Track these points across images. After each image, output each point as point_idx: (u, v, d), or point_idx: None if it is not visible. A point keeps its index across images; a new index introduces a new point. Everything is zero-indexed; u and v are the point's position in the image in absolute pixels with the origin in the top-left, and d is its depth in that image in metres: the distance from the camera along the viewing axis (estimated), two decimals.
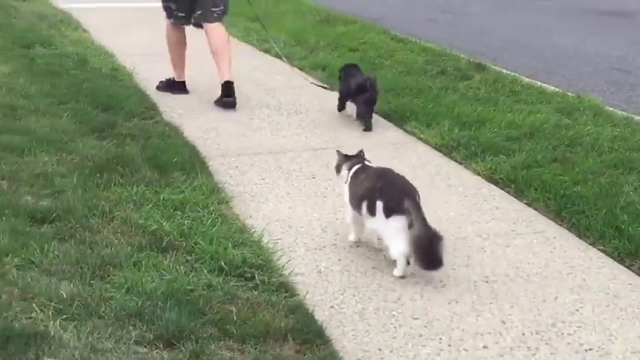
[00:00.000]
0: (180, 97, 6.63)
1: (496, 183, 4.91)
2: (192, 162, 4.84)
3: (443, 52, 8.25)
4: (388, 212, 3.58)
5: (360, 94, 6.01)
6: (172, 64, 6.86)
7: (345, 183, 3.98)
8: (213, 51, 6.55)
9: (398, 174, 3.81)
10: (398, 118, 6.16)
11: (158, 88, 6.86)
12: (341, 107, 6.31)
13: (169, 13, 6.62)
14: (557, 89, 7.13)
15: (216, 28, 6.54)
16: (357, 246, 3.98)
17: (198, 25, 6.59)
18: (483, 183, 4.93)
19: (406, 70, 7.45)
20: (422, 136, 5.76)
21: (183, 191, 4.36)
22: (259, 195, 4.62)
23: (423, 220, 3.54)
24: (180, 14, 6.56)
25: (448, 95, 6.66)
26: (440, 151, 5.49)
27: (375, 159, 4.22)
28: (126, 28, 9.19)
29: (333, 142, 5.67)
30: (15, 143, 4.80)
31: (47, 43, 7.87)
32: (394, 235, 3.59)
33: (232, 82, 6.48)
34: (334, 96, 6.45)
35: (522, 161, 5.10)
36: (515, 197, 4.71)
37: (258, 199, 4.55)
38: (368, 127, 5.94)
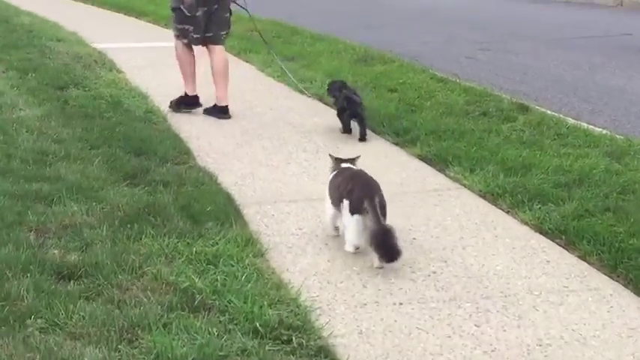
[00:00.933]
0: (214, 141, 6.47)
1: (545, 233, 4.65)
2: (226, 211, 4.65)
3: (484, 93, 8.02)
4: (352, 211, 4.15)
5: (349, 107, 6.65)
6: (184, 81, 7.35)
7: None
8: (215, 72, 7.23)
9: (367, 176, 4.36)
10: (439, 163, 5.94)
11: (171, 108, 7.30)
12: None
13: (185, 34, 7.13)
14: (604, 131, 6.87)
15: (221, 51, 7.28)
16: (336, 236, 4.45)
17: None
18: (532, 233, 4.68)
19: (447, 112, 7.23)
20: (465, 182, 5.53)
21: (217, 243, 4.17)
22: (296, 246, 4.41)
23: (377, 218, 4.04)
24: (195, 35, 7.11)
25: (491, 138, 6.42)
26: (484, 199, 5.24)
27: (416, 207, 4.01)
28: (161, 68, 9.07)
29: None
30: (44, 191, 4.66)
31: (81, 84, 7.79)
32: (352, 230, 4.20)
33: (227, 106, 7.23)
34: (370, 137, 6.27)
35: (572, 210, 4.84)
36: (565, 249, 4.46)
37: (296, 251, 4.35)
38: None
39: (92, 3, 15.60)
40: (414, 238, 4.58)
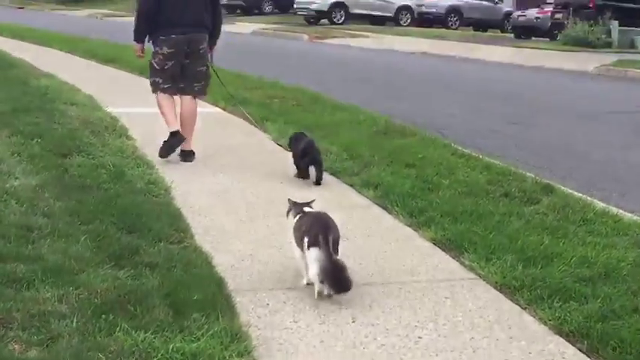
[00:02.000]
0: (217, 217, 6.10)
1: (565, 336, 4.20)
2: (215, 300, 4.25)
3: (507, 171, 7.60)
4: (308, 245, 4.49)
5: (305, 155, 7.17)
6: (167, 123, 7.70)
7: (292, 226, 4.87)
8: (181, 120, 7.72)
9: (326, 217, 4.71)
10: (454, 249, 5.51)
11: (162, 156, 7.60)
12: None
13: (155, 85, 7.71)
14: (634, 217, 6.42)
15: (190, 101, 7.82)
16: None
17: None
18: (551, 335, 4.22)
19: (466, 191, 6.81)
20: (481, 272, 5.09)
21: (199, 338, 3.78)
22: (288, 342, 4.00)
23: (329, 253, 4.41)
24: (164, 86, 7.64)
25: (512, 222, 5.99)
26: (501, 292, 4.80)
27: (425, 300, 3.59)
28: None
29: (379, 275, 5.05)
30: (18, 273, 4.30)
31: (86, 151, 7.47)
32: (311, 263, 4.50)
33: (193, 152, 7.84)
34: (381, 217, 5.87)
35: (596, 310, 4.38)
36: (587, 356, 4.00)
37: (287, 349, 3.94)
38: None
39: (121, 67, 15.41)
40: (420, 337, 4.15)
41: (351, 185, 7.13)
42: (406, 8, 38.61)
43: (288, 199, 5.14)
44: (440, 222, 5.96)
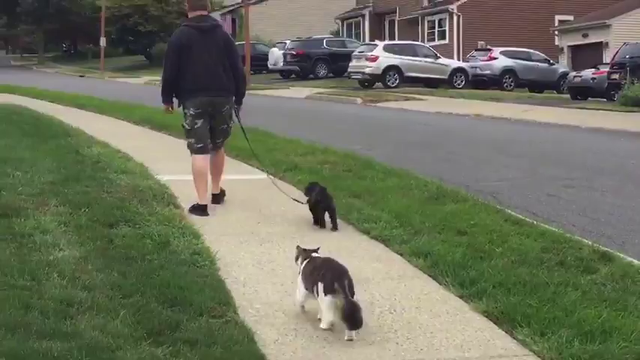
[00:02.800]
0: (262, 288, 5.95)
1: None
2: None
3: (562, 238, 7.33)
4: (325, 292, 4.94)
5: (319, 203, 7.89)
6: (197, 193, 8.37)
7: (299, 272, 5.41)
8: (212, 168, 8.61)
9: (336, 262, 5.26)
10: (507, 322, 5.27)
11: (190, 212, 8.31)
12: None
13: (191, 148, 8.53)
14: None
15: (218, 153, 8.74)
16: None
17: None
18: None
19: (519, 260, 6.57)
20: (535, 347, 4.85)
21: None
22: None
23: (347, 296, 4.86)
24: (198, 146, 8.42)
25: (568, 294, 5.73)
26: None
27: None
28: (225, 204, 8.69)
29: (428, 350, 4.85)
30: (53, 352, 4.19)
31: (132, 221, 7.41)
32: (326, 308, 4.99)
33: (223, 192, 8.84)
34: (431, 288, 5.68)
35: None
36: None
37: None
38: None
39: (173, 133, 15.44)
40: None
41: (401, 254, 6.94)
42: (460, 70, 38.55)
43: (297, 246, 5.70)
44: (492, 293, 5.73)
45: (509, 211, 8.76)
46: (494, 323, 5.34)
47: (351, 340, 4.89)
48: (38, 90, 30.11)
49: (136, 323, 4.79)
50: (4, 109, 19.71)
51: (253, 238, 7.41)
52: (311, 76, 43.94)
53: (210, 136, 8.49)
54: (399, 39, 49.39)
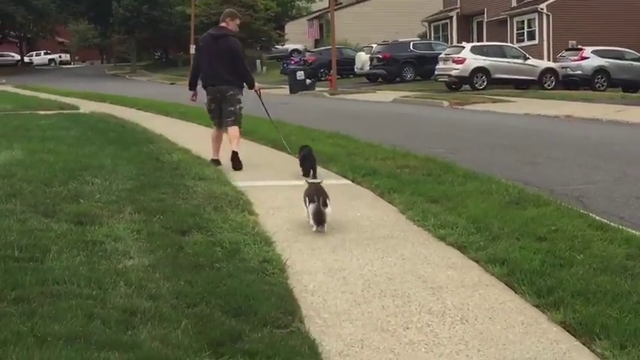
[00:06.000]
0: (330, 297, 5.81)
1: None
2: None
3: None
4: (309, 202, 7.76)
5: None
6: (212, 150, 12.03)
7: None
8: (229, 137, 11.83)
9: (318, 186, 7.99)
10: (585, 334, 5.00)
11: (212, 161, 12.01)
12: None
13: (212, 121, 12.22)
14: None
15: (229, 128, 11.81)
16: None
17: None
18: None
19: (601, 267, 6.26)
20: None
21: None
22: None
23: (318, 205, 7.66)
24: (214, 121, 12.09)
25: None
26: None
27: None
28: (298, 210, 8.56)
29: None
30: None
31: (205, 228, 7.37)
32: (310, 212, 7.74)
33: (237, 153, 11.80)
34: (506, 297, 5.44)
35: None
36: None
37: None
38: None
39: (255, 139, 15.42)
40: None
41: (477, 261, 6.71)
42: (550, 71, 37.73)
43: (305, 180, 8.88)
44: (570, 303, 5.46)
45: (594, 215, 8.41)
46: (572, 335, 5.09)
47: (319, 232, 7.66)
48: (127, 98, 30.64)
49: (197, 333, 4.70)
50: (92, 117, 20.09)
51: (327, 245, 7.28)
52: (398, 79, 43.71)
53: (221, 115, 11.77)
54: (487, 40, 48.72)
